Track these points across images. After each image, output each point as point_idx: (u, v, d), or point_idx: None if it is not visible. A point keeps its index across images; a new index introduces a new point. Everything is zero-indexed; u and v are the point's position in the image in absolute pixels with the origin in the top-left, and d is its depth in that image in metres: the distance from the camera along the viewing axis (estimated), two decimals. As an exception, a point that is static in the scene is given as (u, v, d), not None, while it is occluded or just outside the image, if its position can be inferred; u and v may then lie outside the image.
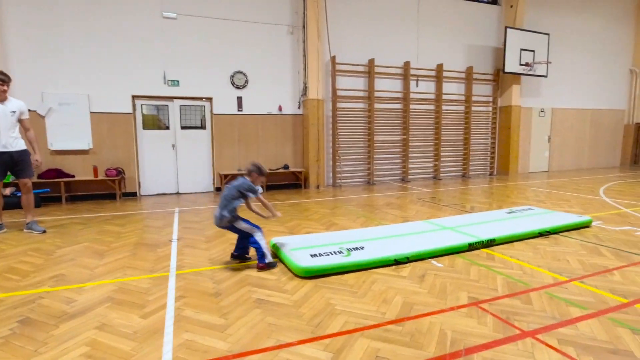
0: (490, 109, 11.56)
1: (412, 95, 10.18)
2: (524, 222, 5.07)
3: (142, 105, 8.07)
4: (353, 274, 3.54)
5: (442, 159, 10.84)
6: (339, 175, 9.57)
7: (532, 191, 8.53)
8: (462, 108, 11.05)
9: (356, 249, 3.96)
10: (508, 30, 10.68)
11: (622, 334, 2.45)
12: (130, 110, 7.86)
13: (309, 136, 8.95)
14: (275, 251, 4.06)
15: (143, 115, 8.12)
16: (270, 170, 8.95)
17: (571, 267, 3.69)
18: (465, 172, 11.24)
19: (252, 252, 3.93)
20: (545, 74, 11.54)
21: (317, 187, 9.15)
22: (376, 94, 9.75)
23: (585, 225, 5.15)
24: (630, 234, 4.80)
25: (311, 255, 3.72)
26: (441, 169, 10.86)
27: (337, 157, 9.49)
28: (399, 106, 10.12)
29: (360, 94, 9.65)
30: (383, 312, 2.76)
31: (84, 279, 3.43)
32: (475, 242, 4.26)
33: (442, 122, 10.69)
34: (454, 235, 4.46)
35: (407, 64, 9.98)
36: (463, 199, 7.53)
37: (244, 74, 8.60)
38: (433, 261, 3.87)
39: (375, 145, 9.85)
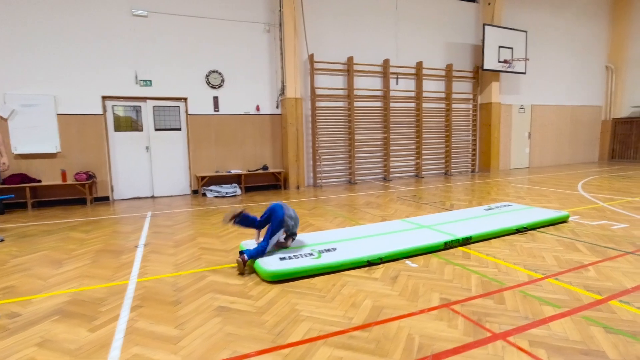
0: (470, 106, 11.57)
1: (392, 93, 10.11)
2: (502, 218, 5.00)
3: (113, 106, 7.79)
4: (323, 277, 3.40)
5: (423, 157, 10.79)
6: (320, 175, 9.42)
7: (512, 187, 8.52)
8: (443, 105, 11.02)
9: (328, 250, 3.82)
10: (486, 27, 10.70)
11: (595, 333, 2.36)
12: (100, 111, 7.58)
13: (288, 136, 8.78)
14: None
15: (114, 116, 7.84)
16: (249, 171, 8.76)
17: (547, 263, 3.61)
18: (447, 169, 11.22)
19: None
20: (524, 71, 11.61)
21: (297, 187, 8.99)
22: (356, 92, 9.64)
23: (563, 221, 5.11)
24: (607, 228, 4.78)
25: (280, 259, 3.57)
26: (423, 167, 10.82)
27: (317, 157, 9.34)
28: (379, 104, 10.03)
29: (340, 92, 9.53)
30: (350, 317, 2.62)
31: (35, 291, 3.21)
32: (452, 241, 4.16)
33: (423, 119, 10.64)
34: (431, 234, 4.35)
35: (386, 61, 9.89)
36: (443, 197, 7.47)
37: (220, 74, 8.38)
38: (407, 261, 3.75)
39: (356, 144, 9.74)
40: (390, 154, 10.23)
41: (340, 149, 9.68)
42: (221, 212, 6.44)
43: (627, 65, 13.89)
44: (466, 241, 4.25)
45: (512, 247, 4.15)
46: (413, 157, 10.71)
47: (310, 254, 3.70)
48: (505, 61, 11.03)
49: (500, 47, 10.95)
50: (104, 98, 7.64)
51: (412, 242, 4.01)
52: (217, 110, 8.47)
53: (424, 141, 10.73)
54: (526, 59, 11.46)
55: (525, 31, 11.47)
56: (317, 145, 9.30)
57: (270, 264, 3.42)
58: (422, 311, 2.71)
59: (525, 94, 12.50)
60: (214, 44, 8.29)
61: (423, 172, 10.82)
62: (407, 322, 2.54)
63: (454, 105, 11.18)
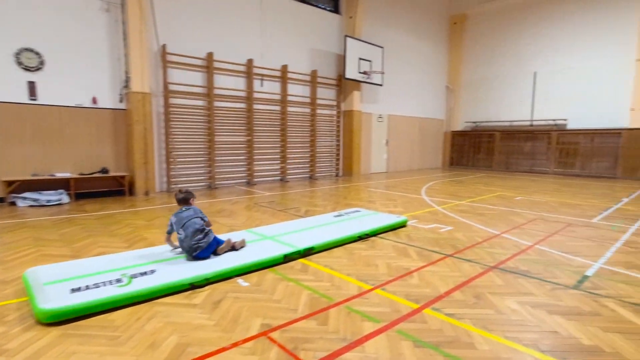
0: (334, 112, 11.99)
1: (256, 95, 9.75)
2: (348, 225, 5.03)
3: None
4: (130, 308, 2.78)
5: (288, 161, 10.72)
6: (174, 179, 8.49)
7: (368, 192, 8.99)
8: (308, 110, 11.15)
9: (144, 274, 3.19)
10: (348, 39, 11.21)
11: (405, 349, 2.31)
12: None
13: (134, 135, 7.65)
14: (25, 287, 2.98)
15: None
16: (81, 175, 7.34)
17: (378, 272, 3.63)
18: (312, 173, 11.39)
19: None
20: (381, 83, 12.55)
21: (146, 193, 7.91)
22: (217, 92, 8.99)
23: (402, 225, 5.40)
24: (436, 231, 5.19)
25: (72, 290, 2.81)
26: (288, 171, 10.74)
27: (172, 160, 8.40)
28: (242, 105, 9.56)
29: (199, 90, 8.75)
30: (139, 366, 2.09)
31: None
32: (292, 253, 3.93)
33: (288, 123, 10.57)
34: (272, 246, 4.07)
35: (250, 61, 9.49)
36: (302, 202, 7.39)
37: (37, 53, 6.79)
38: (239, 280, 3.36)
39: (216, 146, 9.07)
40: (254, 157, 9.86)
41: (199, 151, 8.90)
42: (30, 227, 5.13)
43: (461, 86, 16.31)
44: (308, 252, 4.08)
45: (351, 256, 4.13)
46: (278, 161, 10.54)
47: (118, 280, 3.02)
48: (364, 72, 11.74)
49: (360, 59, 11.61)
50: None
51: (247, 258, 3.64)
52: (35, 99, 6.85)
53: (289, 145, 10.67)
54: (382, 72, 12.40)
55: (382, 47, 12.41)
56: (170, 146, 8.35)
57: (52, 299, 2.64)
58: (235, 344, 2.33)
59: (383, 104, 13.57)
60: (28, 14, 6.66)
61: (288, 176, 10.75)
62: (211, 363, 2.13)
63: (318, 111, 11.42)
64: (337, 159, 12.25)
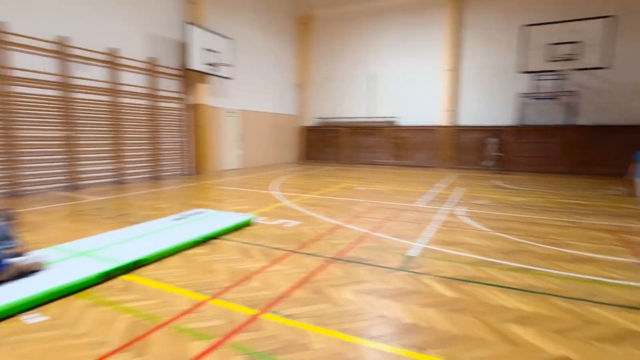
0: (180, 105, 10.99)
1: (75, 82, 8.11)
2: (188, 229, 4.53)
3: None
4: None
5: (126, 160, 9.33)
6: (-47, 187, 6.40)
7: (217, 190, 8.49)
8: (147, 102, 9.90)
9: None
10: (191, 27, 10.36)
11: (236, 367, 2.05)
12: None
13: None
14: None
15: None
16: None
17: (218, 279, 3.30)
18: (157, 173, 10.21)
19: None
20: (231, 77, 12.06)
21: None
22: (11, 72, 7.10)
23: (247, 224, 5.16)
24: (282, 227, 5.11)
25: None
26: (126, 172, 9.35)
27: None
28: (55, 93, 7.80)
29: (-14, 70, 6.77)
30: None
31: None
32: (114, 270, 3.27)
33: (123, 117, 9.18)
34: (86, 265, 3.31)
35: (63, 39, 7.81)
36: (138, 207, 6.44)
37: None
38: (27, 316, 2.59)
39: (17, 142, 7.20)
40: (78, 156, 8.23)
41: (-7, 150, 6.92)
42: None
43: (311, 84, 17.06)
44: (136, 265, 3.46)
45: (189, 263, 3.68)
46: (112, 160, 9.06)
47: None
48: (211, 64, 11.06)
49: (206, 49, 10.88)
50: None
51: (41, 285, 2.84)
52: None
53: (125, 142, 9.28)
54: (231, 65, 11.92)
55: (232, 39, 11.91)
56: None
57: None
58: (-1, 413, 1.69)
59: (235, 99, 13.11)
60: None
61: (126, 177, 9.36)
62: None
63: (162, 104, 10.27)
64: (186, 156, 11.29)
